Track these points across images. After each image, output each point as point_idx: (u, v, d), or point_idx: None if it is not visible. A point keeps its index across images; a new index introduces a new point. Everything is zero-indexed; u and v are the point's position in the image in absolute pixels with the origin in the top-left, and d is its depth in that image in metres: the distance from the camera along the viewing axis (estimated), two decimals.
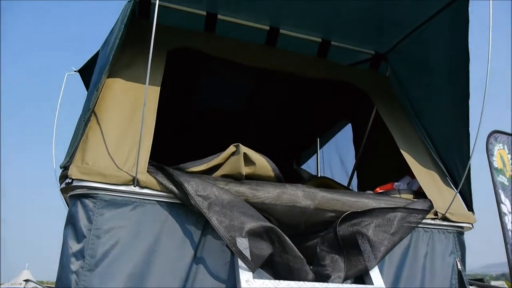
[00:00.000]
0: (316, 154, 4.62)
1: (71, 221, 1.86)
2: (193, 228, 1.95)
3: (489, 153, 4.34)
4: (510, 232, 3.99)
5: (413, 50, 2.96)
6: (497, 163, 4.34)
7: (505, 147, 4.48)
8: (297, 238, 2.06)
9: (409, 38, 2.93)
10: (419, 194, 2.52)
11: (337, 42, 3.15)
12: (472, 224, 2.47)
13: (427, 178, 2.58)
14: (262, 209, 2.05)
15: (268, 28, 3.03)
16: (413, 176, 2.71)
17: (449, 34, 2.56)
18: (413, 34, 2.86)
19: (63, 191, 1.95)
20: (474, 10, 2.24)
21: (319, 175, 4.47)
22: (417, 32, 2.83)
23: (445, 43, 2.63)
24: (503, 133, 4.57)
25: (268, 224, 1.95)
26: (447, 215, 2.36)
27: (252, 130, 4.34)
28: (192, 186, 1.91)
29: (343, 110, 3.98)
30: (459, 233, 2.44)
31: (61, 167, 1.95)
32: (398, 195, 2.49)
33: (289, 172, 4.65)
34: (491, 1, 2.02)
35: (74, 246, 1.81)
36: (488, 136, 4.42)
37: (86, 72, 3.28)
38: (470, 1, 2.29)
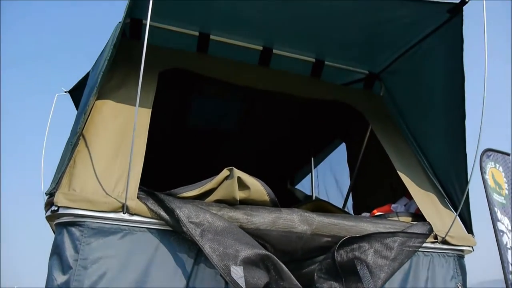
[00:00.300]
0: (310, 174, 4.57)
1: (57, 251, 1.77)
2: (185, 257, 1.87)
3: (482, 171, 4.32)
4: (509, 250, 3.94)
5: (407, 70, 2.95)
6: (489, 182, 4.31)
7: (497, 165, 4.47)
8: (293, 265, 1.99)
9: (402, 58, 2.92)
10: (418, 216, 2.47)
11: (330, 62, 3.13)
12: (472, 247, 2.41)
13: (425, 200, 2.53)
14: (257, 235, 1.97)
15: (261, 48, 3.00)
16: (410, 197, 2.66)
17: (444, 54, 2.55)
18: (407, 54, 2.85)
19: (49, 219, 1.87)
20: (472, 19, 2.21)
21: (313, 195, 4.42)
22: (410, 52, 2.82)
23: (439, 63, 2.62)
24: (496, 151, 4.57)
25: (263, 251, 1.87)
26: (447, 238, 2.31)
27: (245, 150, 4.29)
28: (184, 213, 1.84)
29: (337, 130, 3.95)
30: (460, 257, 2.38)
31: (46, 194, 1.86)
32: (396, 218, 2.43)
33: (283, 192, 4.60)
34: (485, 22, 2.01)
35: (59, 278, 1.72)
36: (481, 154, 4.41)
37: (77, 93, 3.22)
38: (468, 12, 2.28)
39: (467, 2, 2.23)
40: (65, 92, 3.34)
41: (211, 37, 2.87)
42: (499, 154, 4.54)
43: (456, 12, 2.31)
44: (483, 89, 2.07)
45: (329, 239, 2.10)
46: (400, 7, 2.35)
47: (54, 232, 1.96)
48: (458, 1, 2.26)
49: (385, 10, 2.39)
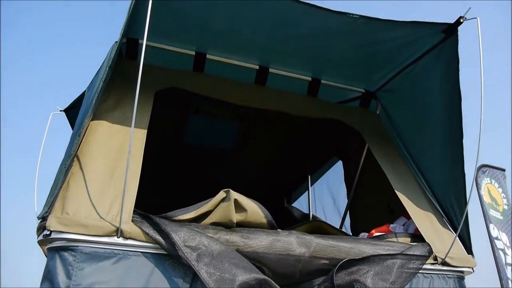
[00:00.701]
0: (307, 192, 4.53)
1: (48, 277, 1.72)
2: (181, 282, 1.83)
3: (478, 187, 4.30)
4: (508, 267, 3.89)
5: (403, 89, 2.95)
6: (485, 198, 4.29)
7: (493, 181, 4.45)
8: None
9: (398, 77, 2.92)
10: (416, 237, 2.43)
11: (327, 80, 3.13)
12: (472, 268, 2.38)
13: (424, 220, 2.50)
14: (255, 258, 1.94)
15: (257, 67, 3.00)
16: (408, 217, 2.63)
17: (440, 73, 2.55)
18: (403, 73, 2.86)
19: (41, 243, 1.83)
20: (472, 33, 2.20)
21: (310, 214, 4.38)
22: (406, 71, 2.82)
23: (435, 81, 2.62)
24: (491, 167, 4.56)
25: (261, 275, 1.83)
26: (447, 259, 2.27)
27: (242, 168, 4.26)
28: (180, 236, 1.80)
29: (334, 148, 3.93)
30: (460, 278, 2.35)
31: (38, 218, 1.82)
32: (395, 239, 2.40)
33: (280, 210, 4.56)
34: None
35: None
36: (477, 170, 4.39)
37: (72, 112, 3.19)
38: (465, 31, 2.29)
39: (462, 23, 2.24)
40: (60, 111, 3.31)
41: (208, 56, 2.87)
42: (495, 170, 4.53)
43: (451, 32, 2.32)
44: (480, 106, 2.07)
45: (328, 261, 2.06)
46: (394, 28, 2.36)
47: (46, 257, 1.91)
48: (453, 22, 2.28)
49: (380, 30, 2.40)
